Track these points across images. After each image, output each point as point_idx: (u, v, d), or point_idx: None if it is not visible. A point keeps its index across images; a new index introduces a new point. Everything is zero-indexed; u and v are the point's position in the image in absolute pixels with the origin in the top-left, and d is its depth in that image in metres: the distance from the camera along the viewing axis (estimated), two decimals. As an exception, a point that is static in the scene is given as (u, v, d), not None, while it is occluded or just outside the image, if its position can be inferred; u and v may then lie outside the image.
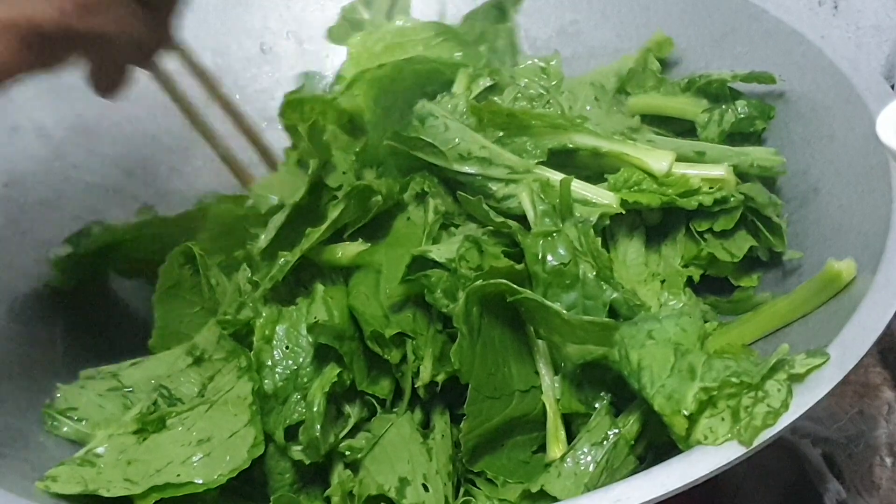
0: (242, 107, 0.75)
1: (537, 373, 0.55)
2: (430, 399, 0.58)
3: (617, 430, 0.51)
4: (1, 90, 0.46)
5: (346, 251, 0.60)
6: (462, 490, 0.55)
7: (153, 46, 0.58)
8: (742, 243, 0.62)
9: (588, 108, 0.72)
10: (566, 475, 0.50)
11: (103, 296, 0.74)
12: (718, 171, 0.61)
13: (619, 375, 0.49)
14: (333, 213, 0.59)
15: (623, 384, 0.50)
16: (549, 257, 0.54)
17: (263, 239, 0.61)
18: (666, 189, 0.60)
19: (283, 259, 0.59)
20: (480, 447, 0.53)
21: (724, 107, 0.68)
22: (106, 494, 0.52)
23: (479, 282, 0.51)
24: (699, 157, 0.64)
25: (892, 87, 0.62)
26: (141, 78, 0.80)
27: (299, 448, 0.55)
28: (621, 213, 0.60)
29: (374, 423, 0.58)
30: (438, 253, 0.56)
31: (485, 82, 0.72)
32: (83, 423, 0.60)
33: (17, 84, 0.47)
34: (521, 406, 0.54)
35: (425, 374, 0.55)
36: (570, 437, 0.53)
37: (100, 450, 0.55)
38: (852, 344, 0.46)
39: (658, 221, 0.64)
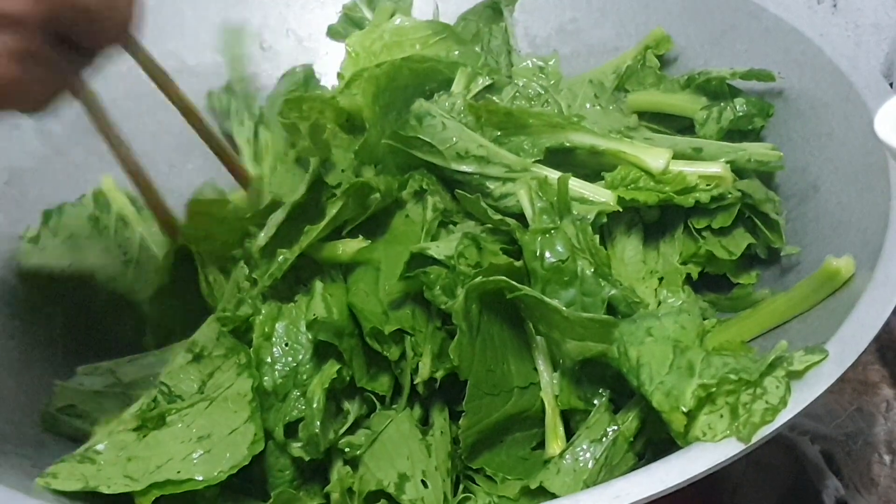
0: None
1: (536, 369, 0.55)
2: (429, 395, 0.58)
3: (616, 427, 0.51)
4: None
5: (346, 248, 0.60)
6: (461, 486, 0.56)
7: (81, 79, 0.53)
8: (740, 241, 0.62)
9: (587, 105, 0.72)
10: (565, 472, 0.51)
11: (103, 294, 0.74)
12: (715, 168, 0.61)
13: (618, 372, 0.50)
14: (332, 210, 0.59)
15: (622, 381, 0.50)
16: (548, 254, 0.54)
17: (263, 236, 0.61)
18: (663, 186, 0.60)
19: (282, 256, 0.59)
20: (479, 444, 0.54)
21: (722, 104, 0.68)
22: (106, 491, 0.52)
23: (479, 279, 0.52)
24: (696, 154, 0.64)
25: (891, 84, 0.62)
26: (141, 76, 0.81)
27: (299, 445, 0.55)
28: (619, 211, 0.60)
29: (373, 420, 0.58)
30: (437, 250, 0.56)
31: (483, 81, 0.72)
32: (82, 420, 0.60)
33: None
34: (520, 403, 0.54)
35: (424, 370, 0.55)
36: (569, 434, 0.53)
37: (100, 447, 0.55)
38: (851, 341, 0.46)
39: (656, 219, 0.64)
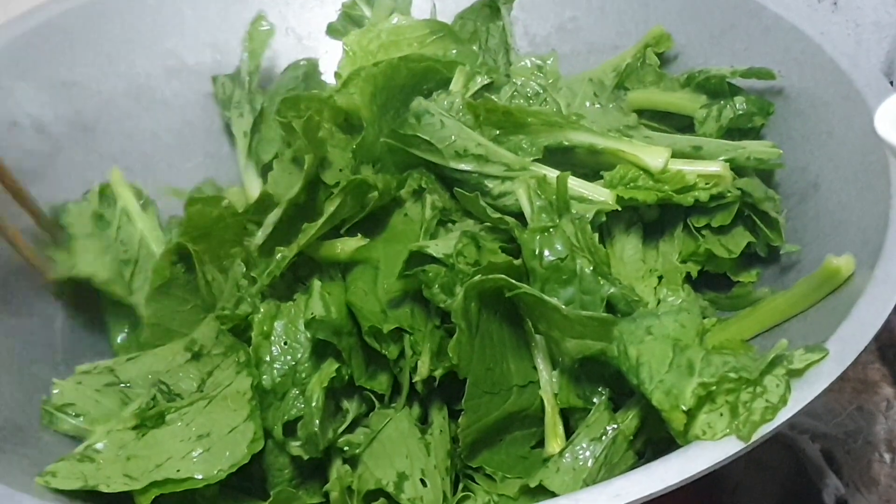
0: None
1: (535, 368, 0.55)
2: (428, 394, 0.58)
3: (616, 426, 0.51)
4: None
5: (345, 246, 0.60)
6: (461, 485, 0.56)
7: None
8: (739, 239, 0.62)
9: (587, 104, 0.72)
10: (565, 470, 0.51)
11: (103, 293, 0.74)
12: (714, 167, 0.61)
13: (618, 371, 0.49)
14: (330, 208, 0.59)
15: (621, 379, 0.50)
16: (547, 253, 0.54)
17: (260, 235, 0.61)
18: (662, 185, 0.60)
19: (279, 254, 0.59)
20: (479, 442, 0.54)
21: (722, 102, 0.68)
22: (105, 490, 0.52)
23: (478, 277, 0.51)
24: (696, 152, 0.64)
25: (892, 83, 0.61)
26: (141, 75, 0.81)
27: (298, 443, 0.55)
28: (618, 210, 0.60)
29: (372, 419, 0.58)
30: (436, 248, 0.56)
31: (481, 80, 0.72)
32: (81, 418, 0.60)
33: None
34: (519, 401, 0.54)
35: (423, 369, 0.55)
36: (569, 433, 0.53)
37: (99, 445, 0.55)
38: (851, 339, 0.46)
39: (655, 217, 0.64)
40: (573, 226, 0.55)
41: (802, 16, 0.68)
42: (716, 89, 0.69)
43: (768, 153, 0.63)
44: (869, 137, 0.58)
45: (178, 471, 0.53)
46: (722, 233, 0.62)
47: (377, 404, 0.58)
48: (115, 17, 0.81)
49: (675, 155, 0.62)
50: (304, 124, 0.61)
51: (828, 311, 0.52)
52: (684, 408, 0.45)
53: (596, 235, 0.57)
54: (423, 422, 0.59)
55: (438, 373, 0.55)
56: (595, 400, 0.53)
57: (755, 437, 0.42)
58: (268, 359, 0.57)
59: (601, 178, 0.62)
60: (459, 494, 0.55)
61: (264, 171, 0.77)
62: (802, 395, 0.44)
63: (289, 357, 0.57)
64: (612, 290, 0.53)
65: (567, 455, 0.51)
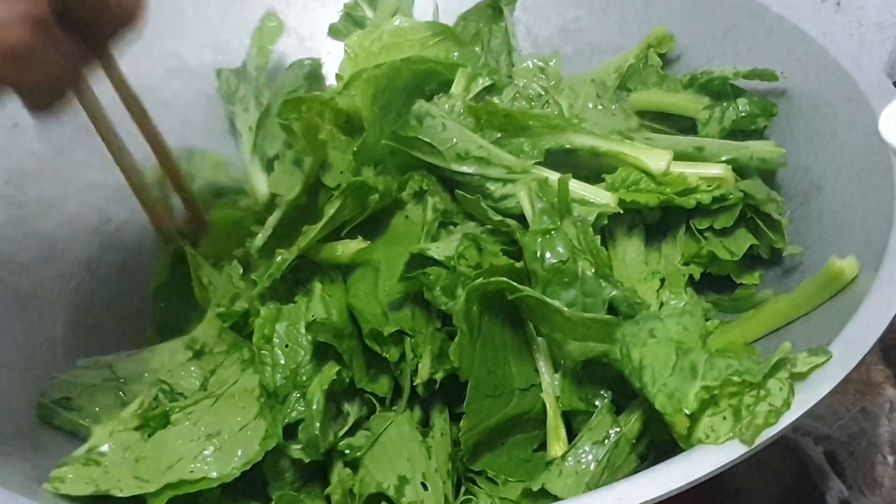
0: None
1: (537, 371, 0.55)
2: (429, 397, 0.58)
3: (618, 429, 0.51)
4: None
5: (346, 248, 0.60)
6: (462, 489, 0.55)
7: (87, 71, 0.52)
8: (742, 241, 0.62)
9: (589, 105, 0.72)
10: (567, 474, 0.50)
11: (104, 294, 0.74)
12: (716, 169, 0.61)
13: (620, 373, 0.49)
14: (330, 210, 0.59)
15: (624, 382, 0.50)
16: (548, 255, 0.53)
17: (260, 237, 0.61)
18: (664, 188, 0.60)
19: (280, 257, 0.59)
20: (480, 445, 0.53)
21: (725, 104, 0.67)
22: (119, 494, 0.51)
23: (480, 280, 0.51)
24: (698, 153, 0.63)
25: (895, 83, 0.61)
26: (142, 76, 0.81)
27: (299, 447, 0.55)
28: (619, 212, 0.59)
29: (373, 422, 0.58)
30: (437, 251, 0.56)
31: (483, 82, 0.72)
32: (77, 413, 0.60)
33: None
34: (521, 404, 0.54)
35: (424, 371, 0.55)
36: (571, 436, 0.53)
37: (104, 447, 0.55)
38: (855, 342, 0.46)
39: (658, 220, 0.64)
40: (575, 228, 0.55)
41: (805, 16, 0.67)
42: (719, 90, 0.68)
43: (771, 153, 0.63)
44: (872, 138, 0.58)
45: (191, 471, 0.52)
46: (724, 235, 0.62)
47: (378, 407, 0.58)
48: (116, 19, 0.80)
49: (678, 157, 0.62)
50: (304, 127, 0.61)
51: (831, 313, 0.51)
52: (687, 411, 0.45)
53: (598, 238, 0.57)
54: (425, 425, 0.58)
55: (439, 375, 0.55)
56: (597, 403, 0.53)
57: (758, 440, 0.42)
58: (269, 361, 0.57)
59: (603, 180, 0.62)
60: (461, 498, 0.54)
61: (269, 166, 0.77)
62: (806, 398, 0.44)
63: (290, 360, 0.57)
64: (614, 292, 0.53)
65: (570, 458, 0.51)
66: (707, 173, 0.61)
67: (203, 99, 0.84)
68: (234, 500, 0.56)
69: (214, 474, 0.52)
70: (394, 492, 0.52)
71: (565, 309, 0.50)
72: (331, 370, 0.56)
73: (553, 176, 0.60)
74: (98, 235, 0.76)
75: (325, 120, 0.66)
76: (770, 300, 0.59)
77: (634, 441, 0.51)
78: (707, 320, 0.56)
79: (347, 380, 0.56)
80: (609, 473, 0.50)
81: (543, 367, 0.54)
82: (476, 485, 0.55)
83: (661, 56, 0.76)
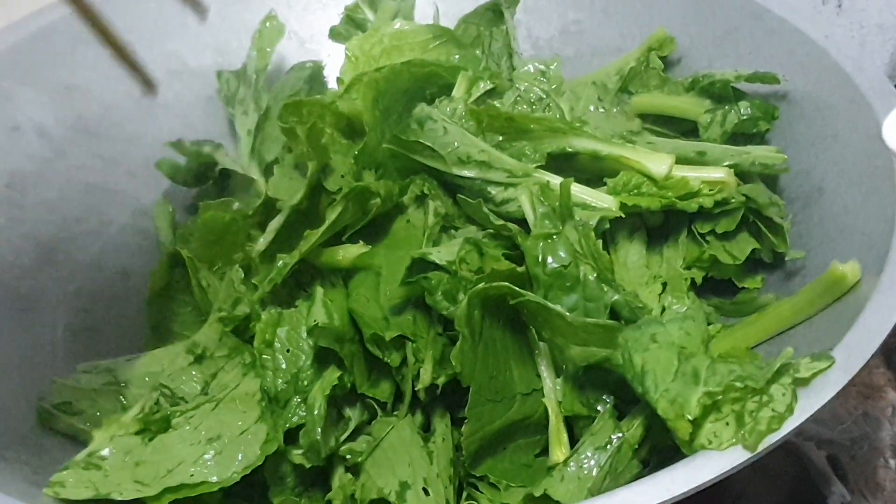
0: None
1: (539, 375, 0.55)
2: (431, 402, 0.58)
3: (621, 434, 0.51)
4: None
5: (347, 253, 0.60)
6: (464, 494, 0.55)
7: None
8: (744, 245, 0.62)
9: (591, 107, 0.72)
10: (569, 479, 0.50)
11: (104, 298, 0.74)
12: (718, 173, 0.61)
13: (622, 378, 0.49)
14: (332, 215, 0.59)
15: (626, 387, 0.49)
16: (550, 259, 0.53)
17: (262, 242, 0.61)
18: (666, 192, 0.60)
19: (281, 261, 0.59)
20: (482, 450, 0.53)
21: (727, 107, 0.67)
22: (118, 498, 0.51)
23: (482, 285, 0.51)
24: (700, 158, 0.63)
25: (897, 86, 0.61)
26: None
27: (300, 452, 0.55)
28: (621, 216, 0.59)
29: (374, 427, 0.58)
30: (439, 255, 0.55)
31: (484, 86, 0.72)
32: (77, 417, 0.60)
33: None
34: (522, 409, 0.54)
35: (426, 376, 0.55)
36: (573, 441, 0.53)
37: (104, 452, 0.55)
38: (857, 347, 0.46)
39: (659, 224, 0.63)
40: (576, 232, 0.55)
41: (807, 18, 0.67)
42: (720, 93, 0.68)
43: (773, 158, 0.63)
44: (874, 141, 0.57)
45: (191, 475, 0.52)
46: (726, 239, 0.62)
47: (379, 412, 0.58)
48: (117, 20, 0.79)
49: (679, 161, 0.61)
50: (307, 131, 0.61)
51: (834, 317, 0.51)
52: (690, 417, 0.44)
53: (599, 242, 0.56)
54: (426, 430, 0.58)
55: (441, 380, 0.55)
56: (599, 408, 0.53)
57: (761, 446, 0.42)
58: (270, 366, 0.57)
59: (604, 184, 0.61)
60: (463, 503, 0.54)
61: (267, 169, 0.77)
62: (809, 404, 0.44)
63: (291, 364, 0.57)
64: (615, 296, 0.53)
65: (572, 464, 0.51)
66: (709, 177, 0.60)
67: (203, 101, 0.84)
68: (235, 505, 0.56)
69: (215, 478, 0.52)
70: (395, 497, 0.52)
71: (567, 313, 0.50)
72: (332, 375, 0.56)
73: (555, 180, 0.60)
74: (98, 239, 0.76)
75: (326, 123, 0.66)
76: (772, 304, 0.58)
77: (637, 446, 0.51)
78: (709, 324, 0.56)
79: (349, 384, 0.56)
80: (611, 479, 0.50)
81: (545, 371, 0.54)
82: (478, 490, 0.54)
83: (663, 58, 0.75)
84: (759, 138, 0.67)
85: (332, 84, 0.83)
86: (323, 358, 0.57)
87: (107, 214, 0.77)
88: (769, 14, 0.70)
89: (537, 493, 0.50)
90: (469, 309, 0.51)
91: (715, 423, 0.44)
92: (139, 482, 0.52)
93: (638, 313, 0.53)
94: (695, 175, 0.60)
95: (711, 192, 0.60)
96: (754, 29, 0.71)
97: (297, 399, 0.56)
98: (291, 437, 0.56)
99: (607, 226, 0.59)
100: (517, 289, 0.51)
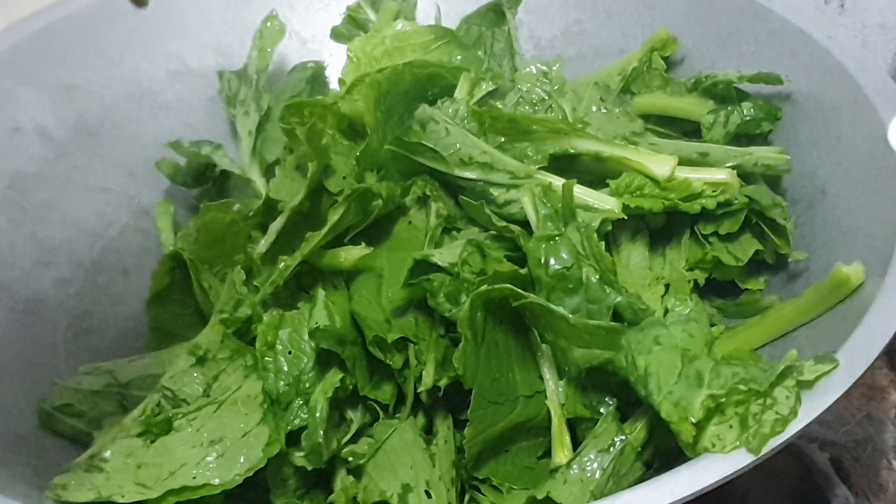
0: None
1: (541, 378, 0.54)
2: (433, 404, 0.58)
3: (624, 437, 0.51)
4: None
5: (349, 255, 0.60)
6: (467, 496, 0.55)
7: None
8: (747, 247, 0.62)
9: (593, 108, 0.71)
10: (572, 482, 0.50)
11: (105, 299, 0.74)
12: (721, 174, 0.60)
13: (625, 380, 0.49)
14: (334, 217, 0.58)
15: (629, 389, 0.49)
16: (552, 261, 0.53)
17: (263, 243, 0.61)
18: (668, 193, 0.59)
19: (283, 263, 0.59)
20: (485, 453, 0.53)
21: (729, 108, 0.67)
22: (120, 500, 0.51)
23: (484, 287, 0.51)
24: (702, 159, 0.63)
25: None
26: (143, 79, 0.81)
27: (302, 454, 0.55)
28: (624, 218, 0.59)
29: (376, 429, 0.57)
30: (441, 257, 0.55)
31: (486, 87, 0.71)
32: (78, 419, 0.60)
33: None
34: (525, 411, 0.54)
35: (428, 378, 0.55)
36: (576, 444, 0.53)
37: (106, 454, 0.54)
38: (861, 349, 0.45)
39: (662, 225, 0.63)
40: (579, 234, 0.55)
41: (809, 19, 0.67)
42: (723, 94, 0.68)
43: (776, 159, 0.63)
44: (878, 142, 0.57)
45: (193, 477, 0.52)
46: (729, 240, 0.62)
47: (381, 414, 0.58)
48: (118, 21, 0.80)
49: (682, 162, 0.61)
50: (307, 132, 0.61)
51: (837, 319, 0.51)
52: (693, 420, 0.44)
53: (602, 244, 0.56)
54: (428, 432, 0.58)
55: (443, 382, 0.55)
56: (602, 410, 0.53)
57: (765, 449, 0.42)
58: (272, 368, 0.56)
59: (607, 185, 0.61)
60: (465, 505, 0.54)
61: (268, 170, 0.77)
62: (813, 406, 0.43)
63: (293, 366, 0.56)
64: (618, 298, 0.53)
65: (574, 466, 0.50)
66: (712, 178, 0.60)
67: (205, 102, 0.84)
68: (237, 507, 0.56)
69: (217, 481, 0.52)
70: (397, 500, 0.52)
71: (570, 315, 0.50)
72: (334, 377, 0.55)
73: (557, 181, 0.60)
74: (99, 240, 0.76)
75: (327, 125, 0.66)
76: (775, 306, 0.58)
77: (640, 449, 0.51)
78: (712, 326, 0.56)
79: (351, 387, 0.56)
80: (614, 482, 0.50)
81: (548, 373, 0.54)
82: (480, 492, 0.54)
83: (665, 59, 0.75)
84: (762, 139, 0.67)
85: (334, 84, 0.83)
86: (325, 360, 0.56)
87: (108, 215, 0.77)
88: (772, 14, 0.69)
89: (540, 496, 0.50)
90: (471, 311, 0.51)
91: (718, 426, 0.44)
92: (141, 484, 0.52)
93: (641, 315, 0.53)
94: (697, 176, 0.60)
95: (714, 194, 0.60)
96: (757, 29, 0.71)
97: (299, 401, 0.56)
98: (293, 439, 0.55)
99: (610, 227, 0.59)
100: (519, 291, 0.51)
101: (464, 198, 0.61)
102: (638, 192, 0.60)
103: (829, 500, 0.63)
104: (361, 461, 0.55)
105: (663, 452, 0.51)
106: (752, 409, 0.44)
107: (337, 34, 0.86)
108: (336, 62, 0.85)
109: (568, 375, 0.53)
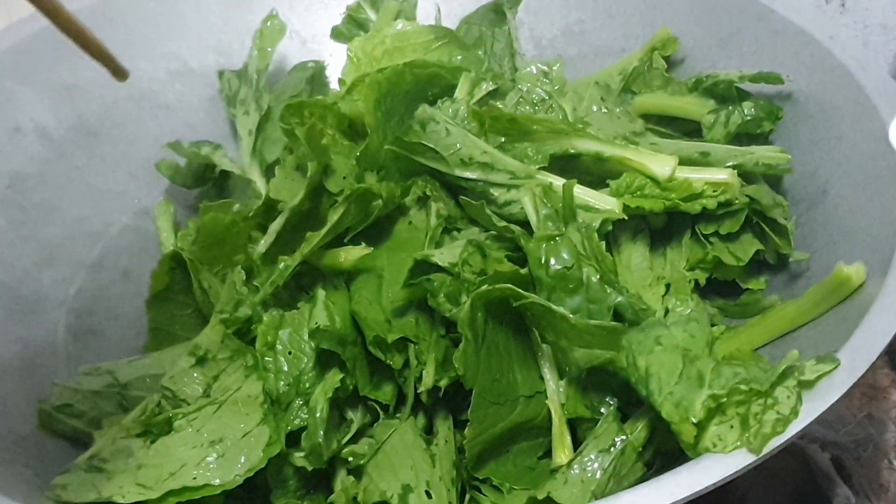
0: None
1: (542, 378, 0.54)
2: (433, 404, 0.58)
3: (624, 437, 0.50)
4: None
5: (349, 255, 0.60)
6: (467, 497, 0.55)
7: None
8: (748, 247, 0.62)
9: (593, 108, 0.71)
10: (573, 482, 0.50)
11: (105, 299, 0.74)
12: (722, 174, 0.60)
13: (626, 381, 0.49)
14: (334, 217, 0.58)
15: (629, 389, 0.49)
16: (553, 261, 0.53)
17: (263, 244, 0.61)
18: (669, 193, 0.59)
19: (283, 263, 0.59)
20: (485, 453, 0.53)
21: (730, 108, 0.67)
22: (120, 501, 0.51)
23: (485, 287, 0.51)
24: (703, 159, 0.63)
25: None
26: (143, 79, 0.81)
27: (302, 454, 0.55)
28: (624, 218, 0.59)
29: (376, 429, 0.57)
30: (441, 257, 0.55)
31: (486, 87, 0.71)
32: (78, 419, 0.60)
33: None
34: (526, 411, 0.53)
35: (428, 379, 0.55)
36: (576, 444, 0.53)
37: (106, 454, 0.55)
38: (862, 349, 0.45)
39: (663, 225, 0.63)
40: (579, 234, 0.55)
41: (811, 19, 0.67)
42: (724, 94, 0.68)
43: (777, 159, 0.63)
44: (879, 142, 0.57)
45: (194, 478, 0.52)
46: (730, 240, 0.62)
47: (382, 414, 0.58)
48: (118, 21, 0.80)
49: (683, 162, 0.61)
50: (307, 132, 0.61)
51: (838, 319, 0.51)
52: (694, 420, 0.44)
53: (602, 244, 0.56)
54: (428, 432, 0.58)
55: (444, 383, 0.55)
56: (603, 410, 0.53)
57: (766, 449, 0.42)
58: (272, 368, 0.56)
59: (607, 185, 0.61)
60: (466, 506, 0.54)
61: (268, 170, 0.77)
62: (814, 406, 0.43)
63: (293, 367, 0.56)
64: (619, 298, 0.53)
65: (575, 466, 0.50)
66: (712, 178, 0.60)
67: (205, 102, 0.84)
68: (237, 508, 0.56)
69: (217, 481, 0.52)
70: (398, 500, 0.52)
71: (570, 316, 0.50)
72: (334, 377, 0.55)
73: (557, 181, 0.60)
74: (99, 240, 0.76)
75: (327, 125, 0.66)
76: (776, 306, 0.58)
77: (640, 449, 0.51)
78: (713, 326, 0.56)
79: (351, 387, 0.56)
80: (615, 482, 0.50)
81: (548, 374, 0.54)
82: (481, 493, 0.54)
83: (666, 59, 0.75)
84: (763, 139, 0.67)
85: (334, 84, 0.83)
86: (325, 360, 0.56)
87: (108, 215, 0.77)
88: (773, 14, 0.69)
89: (540, 496, 0.50)
90: (472, 311, 0.51)
91: (719, 426, 0.44)
92: (141, 485, 0.52)
93: (641, 315, 0.53)
94: (698, 176, 0.60)
95: (715, 194, 0.59)
96: (758, 29, 0.71)
97: (299, 401, 0.56)
98: (293, 439, 0.55)
99: (610, 227, 0.59)
100: (520, 291, 0.51)
101: (464, 198, 0.61)
102: (638, 192, 0.60)
103: (830, 501, 0.63)
104: (362, 461, 0.55)
105: (664, 452, 0.51)
106: (753, 409, 0.44)
107: (337, 34, 0.86)
108: (336, 62, 0.85)
109: (569, 376, 0.53)
